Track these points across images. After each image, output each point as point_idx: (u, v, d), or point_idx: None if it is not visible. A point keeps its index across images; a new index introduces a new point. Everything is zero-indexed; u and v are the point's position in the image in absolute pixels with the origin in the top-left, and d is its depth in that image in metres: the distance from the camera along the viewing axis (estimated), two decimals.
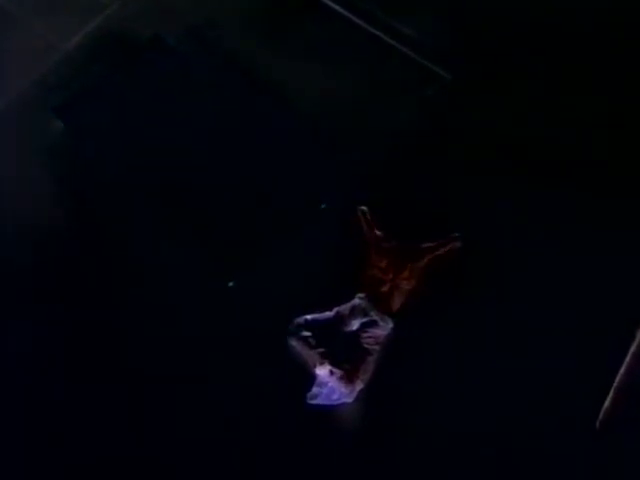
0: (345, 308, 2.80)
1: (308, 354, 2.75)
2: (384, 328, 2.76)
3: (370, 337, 2.75)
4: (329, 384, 2.67)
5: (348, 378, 2.68)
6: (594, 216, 2.89)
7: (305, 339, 2.77)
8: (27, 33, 3.88)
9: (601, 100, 3.15)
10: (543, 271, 2.81)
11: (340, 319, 2.80)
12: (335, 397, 2.68)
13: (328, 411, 2.67)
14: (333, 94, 3.37)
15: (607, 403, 2.54)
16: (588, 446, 2.49)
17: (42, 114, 3.53)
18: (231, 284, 2.96)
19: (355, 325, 2.78)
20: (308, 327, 2.79)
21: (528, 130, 3.14)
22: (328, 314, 2.82)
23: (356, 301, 2.81)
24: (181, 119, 3.38)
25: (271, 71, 3.47)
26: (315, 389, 2.68)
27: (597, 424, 2.53)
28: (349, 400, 2.69)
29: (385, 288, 2.82)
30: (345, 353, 2.73)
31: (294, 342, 2.78)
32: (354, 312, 2.79)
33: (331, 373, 2.66)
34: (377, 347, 2.74)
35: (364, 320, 2.77)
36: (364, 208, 3.01)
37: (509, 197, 2.97)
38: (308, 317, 2.81)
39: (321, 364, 2.68)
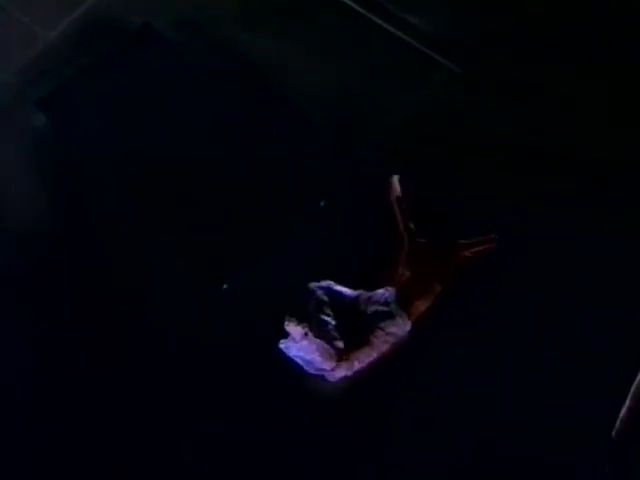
0: (371, 294, 2.72)
1: (312, 316, 2.66)
2: (401, 328, 2.68)
3: (382, 332, 2.66)
4: (302, 343, 2.63)
5: (334, 356, 2.60)
6: (612, 217, 2.85)
7: (319, 301, 2.69)
8: (8, 21, 3.74)
9: (620, 97, 3.13)
10: (554, 275, 2.76)
11: (362, 301, 2.72)
12: (308, 358, 2.63)
13: (324, 417, 2.60)
14: (333, 88, 3.32)
15: (623, 412, 2.49)
16: (604, 456, 2.44)
17: (25, 107, 3.40)
18: (225, 286, 2.88)
19: (373, 313, 2.69)
20: (328, 294, 2.72)
21: (535, 128, 3.12)
22: (352, 292, 2.74)
23: (383, 292, 2.72)
24: (173, 112, 3.28)
25: (270, 62, 3.40)
26: (288, 341, 2.66)
27: (613, 433, 2.47)
28: (331, 379, 2.63)
29: (415, 288, 2.74)
30: (348, 333, 2.64)
31: (308, 300, 2.70)
32: (378, 300, 2.70)
33: (304, 336, 2.61)
34: (386, 345, 2.66)
35: (383, 312, 2.68)
36: (398, 190, 2.94)
37: (515, 196, 2.93)
38: (333, 286, 2.74)
39: (289, 321, 2.63)
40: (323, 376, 2.65)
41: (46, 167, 3.31)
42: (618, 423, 2.47)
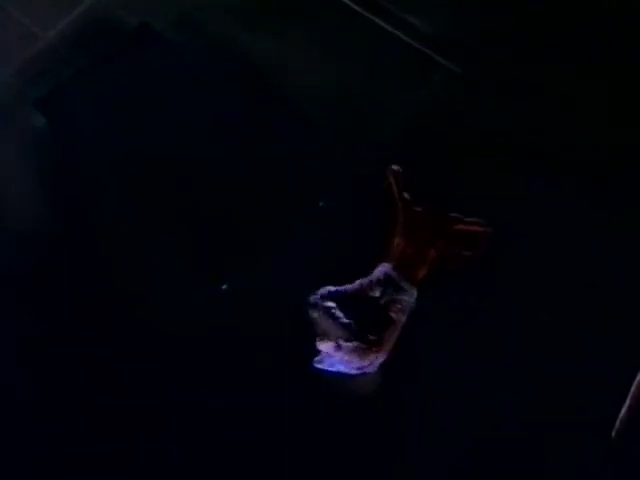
0: (370, 277, 2.71)
1: (329, 325, 2.64)
2: (410, 296, 2.67)
3: (397, 304, 2.65)
4: (338, 353, 2.60)
5: (370, 349, 2.59)
6: (612, 217, 2.85)
7: (328, 310, 2.67)
8: (5, 20, 3.72)
9: (620, 97, 3.14)
10: (553, 274, 2.77)
11: (365, 288, 2.70)
12: (344, 368, 2.60)
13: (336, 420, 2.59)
14: (333, 88, 3.31)
15: (623, 412, 2.48)
16: (604, 457, 2.43)
17: (24, 107, 3.39)
18: (225, 287, 2.87)
19: (381, 292, 2.69)
20: (332, 298, 2.69)
21: (535, 128, 3.12)
22: (351, 286, 2.72)
23: (381, 269, 2.72)
24: (173, 112, 3.26)
25: (270, 62, 3.39)
26: (323, 358, 2.62)
27: (613, 434, 2.46)
28: (370, 371, 2.61)
29: (412, 256, 2.74)
30: (370, 323, 2.63)
31: (316, 314, 2.68)
32: (379, 281, 2.70)
33: (338, 347, 2.59)
34: (403, 317, 2.64)
35: (390, 288, 2.68)
36: (396, 167, 2.94)
37: (515, 196, 2.93)
38: (331, 288, 2.71)
39: (321, 340, 2.60)
40: (364, 372, 2.64)
41: (46, 167, 3.29)
42: (618, 423, 2.46)
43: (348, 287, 2.75)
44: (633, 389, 2.51)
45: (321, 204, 3.02)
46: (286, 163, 3.12)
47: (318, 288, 2.75)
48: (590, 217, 2.85)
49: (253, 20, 3.58)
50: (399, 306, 2.67)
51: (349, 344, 2.61)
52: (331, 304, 2.70)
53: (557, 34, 3.32)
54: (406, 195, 2.88)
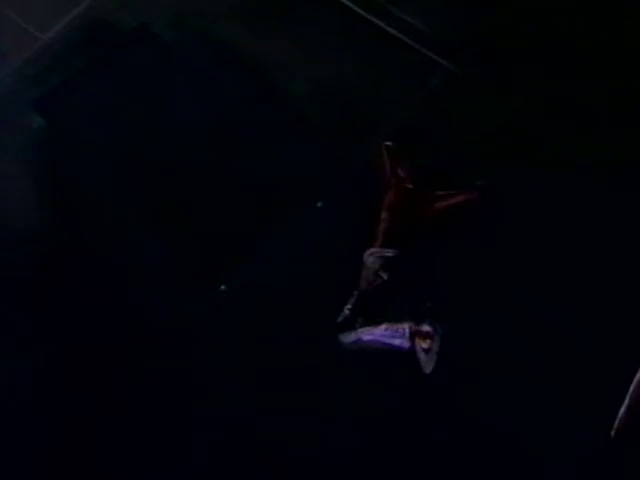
0: (367, 269, 2.74)
1: (382, 335, 2.65)
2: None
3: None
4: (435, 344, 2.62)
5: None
6: (612, 216, 2.85)
7: (365, 324, 2.67)
8: (5, 23, 3.74)
9: (620, 97, 3.13)
10: (554, 273, 2.76)
11: (374, 279, 2.73)
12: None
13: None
14: (334, 88, 3.32)
15: (622, 411, 2.47)
16: (603, 455, 2.43)
17: (21, 108, 3.41)
18: (224, 287, 2.88)
19: (386, 275, 2.73)
20: (357, 314, 2.69)
21: (534, 128, 3.12)
22: (360, 289, 2.74)
23: (370, 255, 2.75)
24: (170, 113, 3.29)
25: (270, 62, 3.40)
26: (424, 359, 2.62)
27: (613, 433, 2.45)
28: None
29: (397, 229, 2.80)
30: (403, 305, 2.68)
31: (356, 337, 2.67)
32: (378, 269, 2.73)
33: (428, 335, 2.61)
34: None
35: (389, 263, 2.73)
36: (389, 144, 2.98)
37: (515, 197, 2.93)
38: (348, 306, 2.71)
39: (422, 339, 2.61)
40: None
41: (45, 167, 3.30)
42: (618, 422, 2.46)
43: (360, 292, 2.74)
44: (632, 389, 2.50)
45: (319, 204, 3.03)
46: (286, 163, 3.13)
47: (319, 297, 2.76)
48: (590, 216, 2.86)
49: (253, 20, 3.58)
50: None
51: (425, 327, 2.62)
52: (361, 319, 2.68)
53: (557, 34, 3.33)
54: (400, 172, 2.92)
